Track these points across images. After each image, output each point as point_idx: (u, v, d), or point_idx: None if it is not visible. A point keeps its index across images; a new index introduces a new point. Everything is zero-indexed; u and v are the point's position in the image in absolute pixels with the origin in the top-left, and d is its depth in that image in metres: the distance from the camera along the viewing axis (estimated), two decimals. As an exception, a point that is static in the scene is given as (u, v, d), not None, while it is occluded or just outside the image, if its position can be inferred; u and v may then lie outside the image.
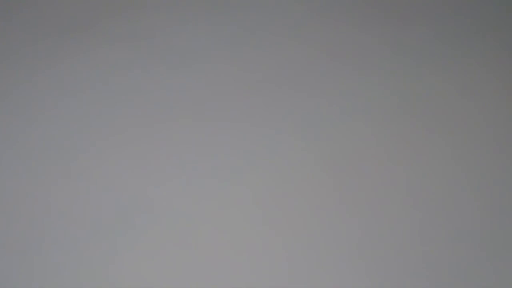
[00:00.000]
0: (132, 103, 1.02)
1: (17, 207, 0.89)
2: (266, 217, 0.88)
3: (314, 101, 1.02)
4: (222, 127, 0.99)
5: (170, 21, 1.15)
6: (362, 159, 0.95)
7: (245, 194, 0.91)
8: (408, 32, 1.13)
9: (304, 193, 0.91)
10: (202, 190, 0.91)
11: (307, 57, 1.09)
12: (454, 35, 1.13)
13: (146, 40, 1.12)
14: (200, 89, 1.04)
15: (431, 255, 0.85)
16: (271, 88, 1.05)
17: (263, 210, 0.89)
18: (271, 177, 0.93)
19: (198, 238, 0.86)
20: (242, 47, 1.11)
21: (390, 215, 0.89)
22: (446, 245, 0.86)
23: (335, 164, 0.94)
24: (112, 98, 1.03)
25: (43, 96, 1.03)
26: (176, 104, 1.02)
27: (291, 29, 1.14)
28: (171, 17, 1.16)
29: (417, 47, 1.11)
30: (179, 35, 1.13)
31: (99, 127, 0.98)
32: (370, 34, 1.13)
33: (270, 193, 0.91)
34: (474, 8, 1.18)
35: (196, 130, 0.98)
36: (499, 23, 1.15)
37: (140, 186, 0.91)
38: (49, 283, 0.81)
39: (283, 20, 1.16)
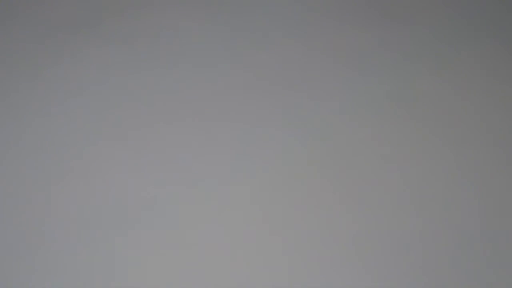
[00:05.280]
0: (132, 103, 1.02)
1: (17, 207, 0.89)
2: (266, 217, 0.88)
3: (314, 101, 1.02)
4: (222, 127, 0.99)
5: (170, 21, 1.16)
6: (362, 159, 0.95)
7: (245, 194, 0.91)
8: (407, 32, 1.14)
9: (304, 193, 0.91)
10: (202, 189, 0.91)
11: (307, 57, 1.09)
12: (454, 35, 1.13)
13: (147, 40, 1.12)
14: (200, 89, 1.04)
15: (430, 255, 0.85)
16: (270, 88, 1.05)
17: (263, 210, 0.89)
18: (271, 176, 0.93)
19: (199, 238, 0.86)
20: (242, 47, 1.11)
21: (389, 215, 0.89)
22: (445, 245, 0.86)
23: (335, 164, 0.94)
24: (112, 98, 1.03)
25: (43, 96, 1.03)
26: (176, 104, 1.02)
27: (291, 29, 1.14)
28: (171, 17, 1.16)
29: (416, 47, 1.11)
30: (179, 35, 1.13)
31: (99, 127, 0.99)
32: (370, 34, 1.13)
33: (270, 193, 0.91)
34: (474, 8, 1.18)
35: (196, 130, 0.98)
36: (499, 23, 1.15)
37: (140, 186, 0.91)
38: (49, 283, 0.81)
39: (283, 20, 1.16)
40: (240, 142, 0.97)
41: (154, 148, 0.96)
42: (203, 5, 1.19)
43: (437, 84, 1.05)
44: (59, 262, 0.83)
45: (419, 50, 1.10)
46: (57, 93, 1.03)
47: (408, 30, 1.14)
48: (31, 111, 1.01)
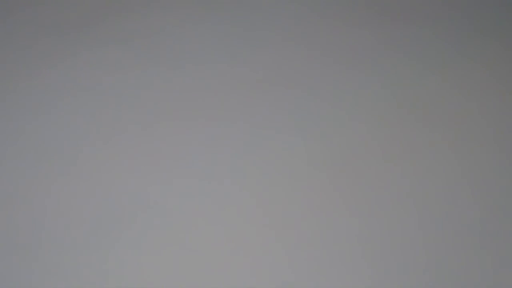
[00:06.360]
0: (132, 103, 1.02)
1: (17, 207, 0.89)
2: (266, 217, 0.88)
3: (314, 101, 1.02)
4: (222, 127, 0.99)
5: (169, 21, 1.16)
6: (362, 159, 0.95)
7: (244, 194, 0.91)
8: (407, 32, 1.13)
9: (304, 193, 0.91)
10: (202, 190, 0.91)
11: (307, 57, 1.09)
12: (454, 35, 1.13)
13: (146, 40, 1.12)
14: (200, 89, 1.04)
15: (430, 255, 0.85)
16: (270, 88, 1.05)
17: (263, 210, 0.89)
18: (271, 177, 0.93)
19: (198, 238, 0.86)
20: (241, 47, 1.11)
21: (390, 215, 0.89)
22: (446, 245, 0.86)
23: (335, 164, 0.94)
24: (112, 98, 1.03)
25: (43, 96, 1.03)
26: (176, 104, 1.02)
27: (291, 29, 1.14)
28: (171, 17, 1.16)
29: (416, 47, 1.11)
30: (179, 35, 1.13)
31: (98, 127, 0.98)
32: (370, 34, 1.13)
33: (270, 193, 0.91)
34: (474, 8, 1.18)
35: (196, 130, 0.98)
36: (499, 23, 1.15)
37: (139, 186, 0.91)
38: (49, 283, 0.81)
39: (283, 20, 1.16)
40: (240, 142, 0.97)
41: (154, 148, 0.96)
42: (203, 5, 1.19)
43: (437, 84, 1.05)
44: (58, 262, 0.83)
45: (419, 50, 1.10)
46: (56, 93, 1.03)
47: (408, 30, 1.14)
48: (30, 110, 1.01)
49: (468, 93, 1.04)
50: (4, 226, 0.87)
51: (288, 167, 0.94)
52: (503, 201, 0.90)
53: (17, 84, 1.05)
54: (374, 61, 1.09)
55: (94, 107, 1.01)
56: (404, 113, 1.01)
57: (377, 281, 0.82)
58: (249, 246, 0.85)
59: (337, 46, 1.11)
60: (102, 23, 1.14)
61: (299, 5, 1.19)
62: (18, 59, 1.08)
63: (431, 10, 1.18)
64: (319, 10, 1.18)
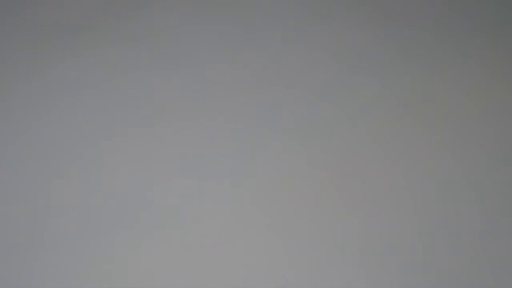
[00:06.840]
0: (132, 103, 1.02)
1: (17, 207, 0.89)
2: (266, 217, 0.88)
3: (314, 102, 1.02)
4: (222, 127, 0.99)
5: (170, 21, 1.16)
6: (362, 160, 0.95)
7: (244, 194, 0.91)
8: (408, 32, 1.13)
9: (304, 193, 0.91)
10: (202, 190, 0.91)
11: (307, 57, 1.09)
12: (454, 35, 1.13)
13: (146, 41, 1.12)
14: (199, 89, 1.04)
15: (430, 255, 0.85)
16: (270, 88, 1.05)
17: (263, 210, 0.89)
18: (271, 177, 0.93)
19: (198, 238, 0.86)
20: (242, 47, 1.11)
21: (390, 216, 0.89)
22: (446, 246, 0.86)
23: (335, 165, 0.94)
24: (112, 98, 1.03)
25: (43, 97, 1.03)
26: (176, 104, 1.02)
27: (291, 29, 1.14)
28: (171, 17, 1.16)
29: (416, 47, 1.11)
30: (179, 36, 1.13)
31: (99, 127, 0.99)
32: (370, 34, 1.13)
33: (270, 193, 0.91)
34: (474, 8, 1.18)
35: (196, 130, 0.98)
36: (499, 23, 1.15)
37: (140, 186, 0.91)
38: (49, 283, 0.81)
39: (283, 20, 1.16)
40: (240, 142, 0.97)
41: (154, 148, 0.96)
42: (203, 5, 1.19)
43: (437, 84, 1.05)
44: (58, 262, 0.83)
45: (419, 50, 1.10)
46: (57, 93, 1.03)
47: (409, 30, 1.14)
48: (31, 111, 1.01)
49: (468, 93, 1.04)
50: (4, 226, 0.87)
51: (288, 167, 0.94)
52: (503, 201, 0.90)
53: (17, 84, 1.05)
54: (374, 61, 1.09)
55: (94, 107, 1.01)
56: (404, 113, 1.01)
57: (377, 281, 0.82)
58: (249, 246, 0.85)
59: (337, 47, 1.11)
60: (102, 23, 1.14)
61: (299, 5, 1.19)
62: (18, 59, 1.08)
63: (431, 10, 1.18)
64: (319, 10, 1.18)
